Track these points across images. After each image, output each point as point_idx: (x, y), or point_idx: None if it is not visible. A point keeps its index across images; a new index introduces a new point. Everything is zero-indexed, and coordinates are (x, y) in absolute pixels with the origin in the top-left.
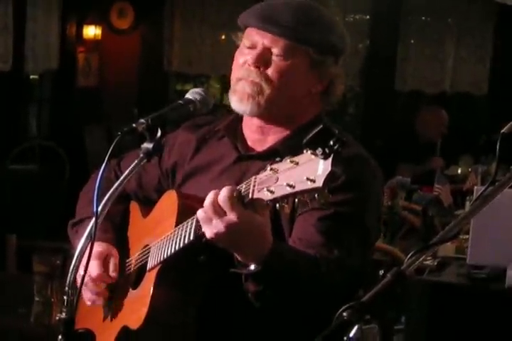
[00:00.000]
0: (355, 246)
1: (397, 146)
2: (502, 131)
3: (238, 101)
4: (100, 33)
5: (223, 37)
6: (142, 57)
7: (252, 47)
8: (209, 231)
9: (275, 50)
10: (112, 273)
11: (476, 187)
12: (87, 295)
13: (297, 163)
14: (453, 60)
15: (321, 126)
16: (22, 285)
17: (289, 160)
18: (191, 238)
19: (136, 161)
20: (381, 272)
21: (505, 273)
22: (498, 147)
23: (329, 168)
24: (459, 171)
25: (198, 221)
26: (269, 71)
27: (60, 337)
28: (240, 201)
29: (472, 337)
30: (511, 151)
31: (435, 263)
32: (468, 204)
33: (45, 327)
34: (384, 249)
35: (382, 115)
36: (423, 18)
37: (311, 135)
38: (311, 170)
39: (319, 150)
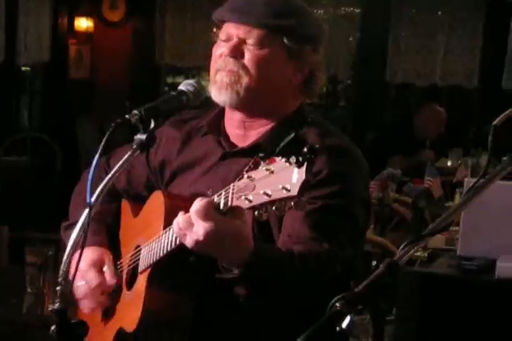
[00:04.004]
0: (346, 238)
1: (389, 139)
2: (494, 123)
3: (217, 91)
4: (92, 26)
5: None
6: (134, 49)
7: (228, 39)
8: (188, 241)
9: (250, 41)
10: (111, 280)
11: (466, 179)
12: (88, 305)
13: (272, 172)
14: (443, 53)
15: (293, 134)
16: (14, 277)
17: (264, 168)
18: (177, 242)
19: (129, 153)
20: (373, 263)
21: (495, 264)
22: (490, 139)
23: (303, 177)
24: (449, 164)
25: None
26: (246, 60)
27: (53, 327)
28: (217, 209)
29: (462, 327)
30: (502, 143)
31: (426, 255)
32: (457, 196)
33: (38, 317)
34: (374, 241)
35: (372, 107)
36: (414, 10)
37: (283, 143)
38: (285, 178)
39: (293, 159)
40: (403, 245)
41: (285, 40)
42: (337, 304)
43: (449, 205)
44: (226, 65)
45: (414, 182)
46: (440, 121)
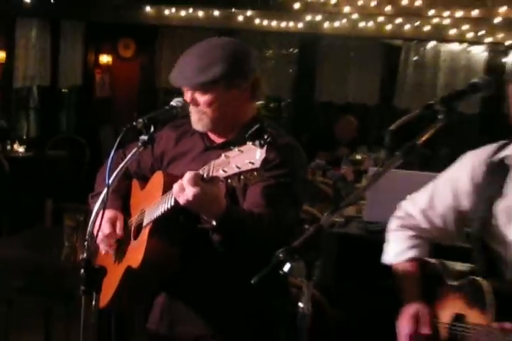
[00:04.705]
0: (289, 206)
1: (317, 140)
2: (389, 128)
3: (194, 123)
4: (111, 60)
5: None
6: (140, 77)
7: (186, 93)
8: (181, 200)
9: (196, 92)
10: (119, 231)
11: (370, 168)
12: (103, 247)
13: (242, 151)
14: (354, 80)
15: (258, 125)
16: (56, 235)
17: (237, 149)
18: (172, 203)
19: (135, 148)
20: (306, 226)
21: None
22: (387, 140)
23: (264, 154)
24: (358, 157)
25: None
26: (201, 105)
27: (81, 270)
28: (202, 179)
29: (367, 271)
30: (395, 143)
31: (342, 220)
32: (364, 179)
33: (72, 263)
34: (307, 210)
35: (306, 118)
36: (334, 51)
37: (250, 132)
38: (251, 155)
39: (257, 142)
40: (327, 213)
41: (220, 82)
42: (280, 254)
43: (358, 186)
44: (191, 110)
45: (334, 169)
46: (352, 128)
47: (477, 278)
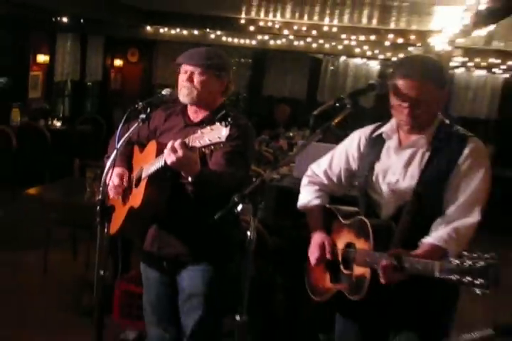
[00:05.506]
0: (242, 167)
1: (263, 121)
2: (313, 113)
3: (182, 97)
4: (122, 63)
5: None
6: (142, 76)
7: (185, 72)
8: (169, 161)
9: (195, 72)
10: (125, 183)
11: (298, 141)
12: (112, 193)
13: (213, 129)
14: (290, 82)
15: (224, 111)
16: (80, 184)
17: (209, 128)
18: (162, 164)
19: (135, 124)
20: (254, 179)
21: None
22: (311, 122)
23: (228, 132)
24: (291, 134)
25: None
26: (195, 83)
27: (97, 207)
28: (186, 146)
29: (294, 212)
30: (317, 124)
31: (279, 177)
32: (294, 149)
33: (91, 203)
34: (254, 170)
35: (255, 106)
36: (276, 61)
37: (219, 115)
38: (219, 132)
39: (223, 123)
40: (268, 170)
41: (214, 70)
42: (235, 198)
43: (290, 154)
44: (184, 86)
45: (275, 142)
46: (287, 113)
47: (363, 218)
